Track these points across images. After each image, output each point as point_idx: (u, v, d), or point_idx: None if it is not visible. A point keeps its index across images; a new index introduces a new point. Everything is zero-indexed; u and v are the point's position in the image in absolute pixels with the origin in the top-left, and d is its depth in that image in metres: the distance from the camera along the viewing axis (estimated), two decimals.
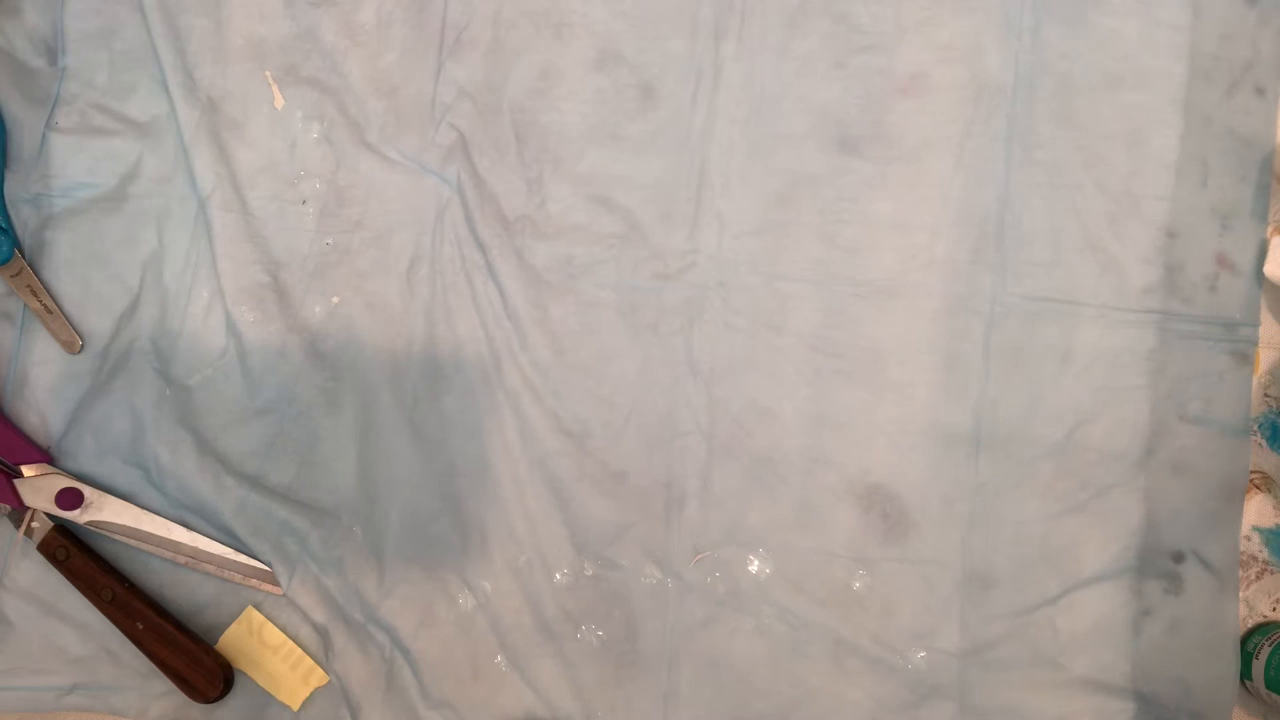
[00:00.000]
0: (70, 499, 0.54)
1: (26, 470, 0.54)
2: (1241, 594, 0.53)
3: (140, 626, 0.52)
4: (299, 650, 0.54)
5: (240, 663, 0.54)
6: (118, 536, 0.54)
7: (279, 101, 0.57)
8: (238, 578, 0.55)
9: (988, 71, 0.54)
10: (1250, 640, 0.52)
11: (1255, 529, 0.53)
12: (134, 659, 0.54)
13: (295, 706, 0.54)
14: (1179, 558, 0.53)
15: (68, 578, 0.53)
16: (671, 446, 0.54)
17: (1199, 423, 0.53)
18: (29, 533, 0.54)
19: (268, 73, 0.57)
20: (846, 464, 0.54)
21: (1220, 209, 0.53)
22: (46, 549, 0.54)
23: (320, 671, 0.54)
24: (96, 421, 0.56)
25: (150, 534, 0.54)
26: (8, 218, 0.56)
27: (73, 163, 0.56)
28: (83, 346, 0.56)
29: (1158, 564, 0.52)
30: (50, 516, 0.54)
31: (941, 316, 0.54)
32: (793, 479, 0.54)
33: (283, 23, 0.57)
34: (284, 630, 0.55)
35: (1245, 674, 0.52)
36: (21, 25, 0.57)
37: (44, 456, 0.55)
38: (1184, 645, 0.52)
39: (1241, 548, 0.53)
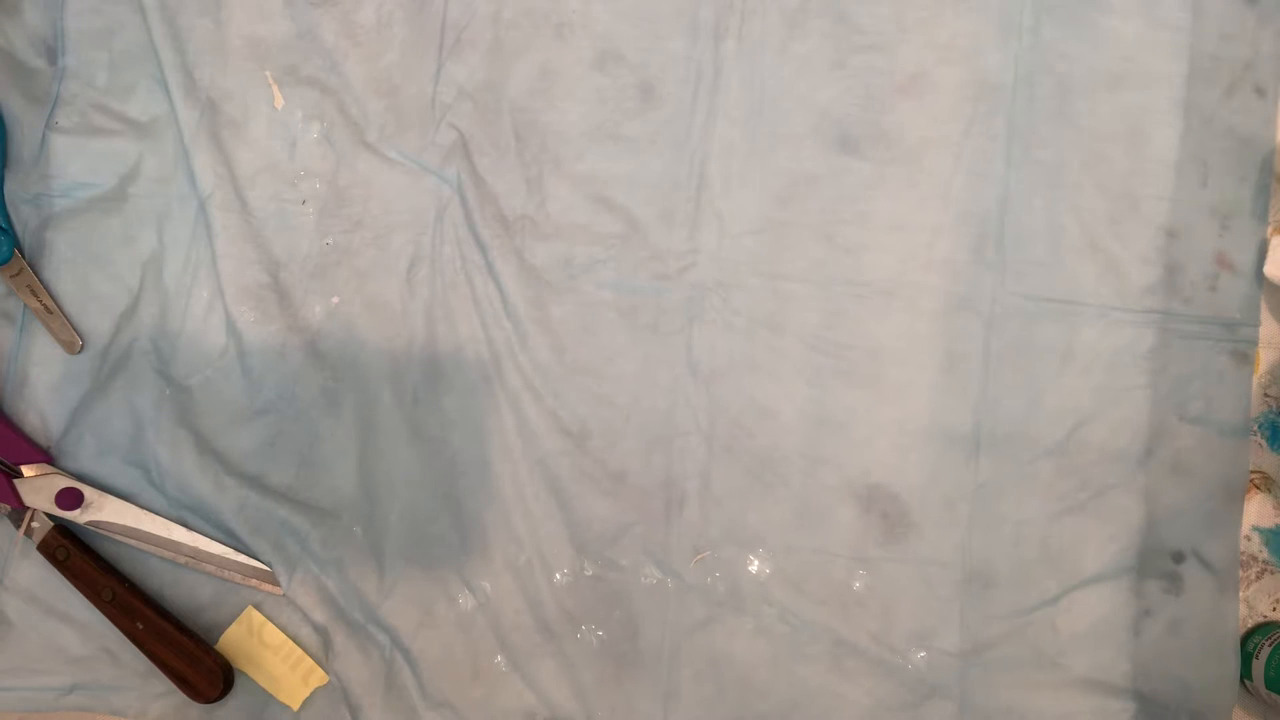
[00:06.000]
0: (70, 499, 0.54)
1: (26, 470, 0.54)
2: (1241, 594, 0.53)
3: (140, 626, 0.52)
4: (299, 650, 0.54)
5: (240, 663, 0.54)
6: (118, 536, 0.54)
7: (279, 101, 0.57)
8: (238, 578, 0.55)
9: (988, 71, 0.54)
10: (1250, 640, 0.52)
11: (1255, 529, 0.53)
12: (134, 659, 0.54)
13: (295, 706, 0.54)
14: (1179, 558, 0.53)
15: (68, 578, 0.53)
16: (671, 446, 0.55)
17: (1199, 423, 0.53)
18: (29, 533, 0.54)
19: (268, 73, 0.57)
20: (846, 464, 0.54)
21: (1220, 209, 0.53)
22: (46, 549, 0.54)
23: (320, 671, 0.54)
24: (96, 421, 0.56)
25: (150, 534, 0.54)
26: (8, 218, 0.56)
27: (73, 163, 0.56)
28: (83, 346, 0.56)
29: (1158, 564, 0.52)
30: (50, 516, 0.54)
31: (941, 316, 0.54)
32: (793, 479, 0.54)
33: (283, 23, 0.57)
34: (284, 630, 0.55)
35: (1245, 674, 0.52)
36: (21, 25, 0.57)
37: (44, 456, 0.55)
38: (1184, 645, 0.52)
39: (1241, 548, 0.53)
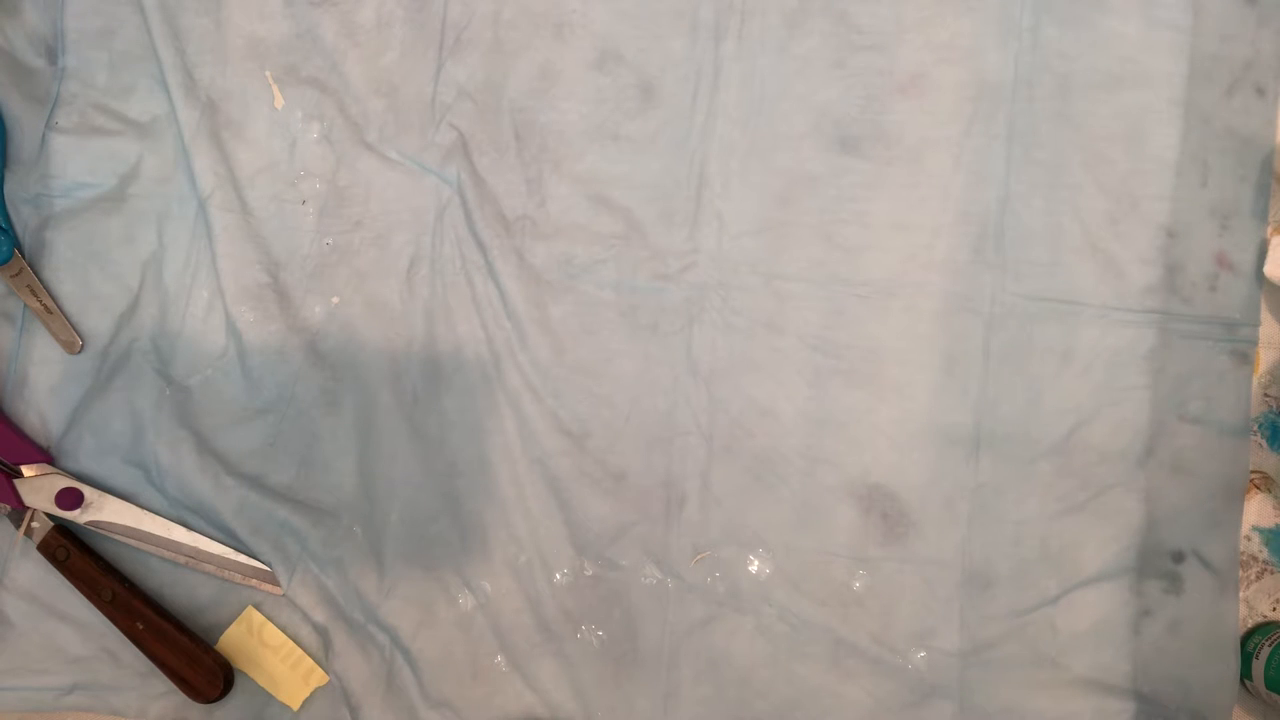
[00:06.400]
0: (70, 499, 0.54)
1: (26, 470, 0.54)
2: (1241, 594, 0.53)
3: (140, 626, 0.52)
4: (299, 650, 0.54)
5: (240, 663, 0.54)
6: (118, 536, 0.54)
7: (279, 101, 0.57)
8: (238, 578, 0.55)
9: (988, 71, 0.54)
10: (1250, 640, 0.52)
11: (1255, 529, 0.53)
12: (134, 659, 0.54)
13: (295, 706, 0.54)
14: (1179, 558, 0.53)
15: (68, 578, 0.53)
16: (671, 446, 0.54)
17: (1199, 423, 0.53)
18: (29, 533, 0.54)
19: (268, 73, 0.57)
20: (846, 464, 0.54)
21: (1220, 209, 0.53)
22: (46, 549, 0.54)
23: (320, 671, 0.54)
24: (96, 421, 0.56)
25: (150, 534, 0.54)
26: (8, 218, 0.56)
27: (73, 163, 0.56)
28: (83, 346, 0.56)
29: (1158, 564, 0.52)
30: (50, 516, 0.54)
31: (941, 316, 0.54)
32: (793, 479, 0.54)
33: (283, 23, 0.57)
34: (284, 630, 0.55)
35: (1245, 674, 0.52)
36: (21, 25, 0.57)
37: (44, 456, 0.55)
38: (1184, 645, 0.52)
39: (1241, 548, 0.53)
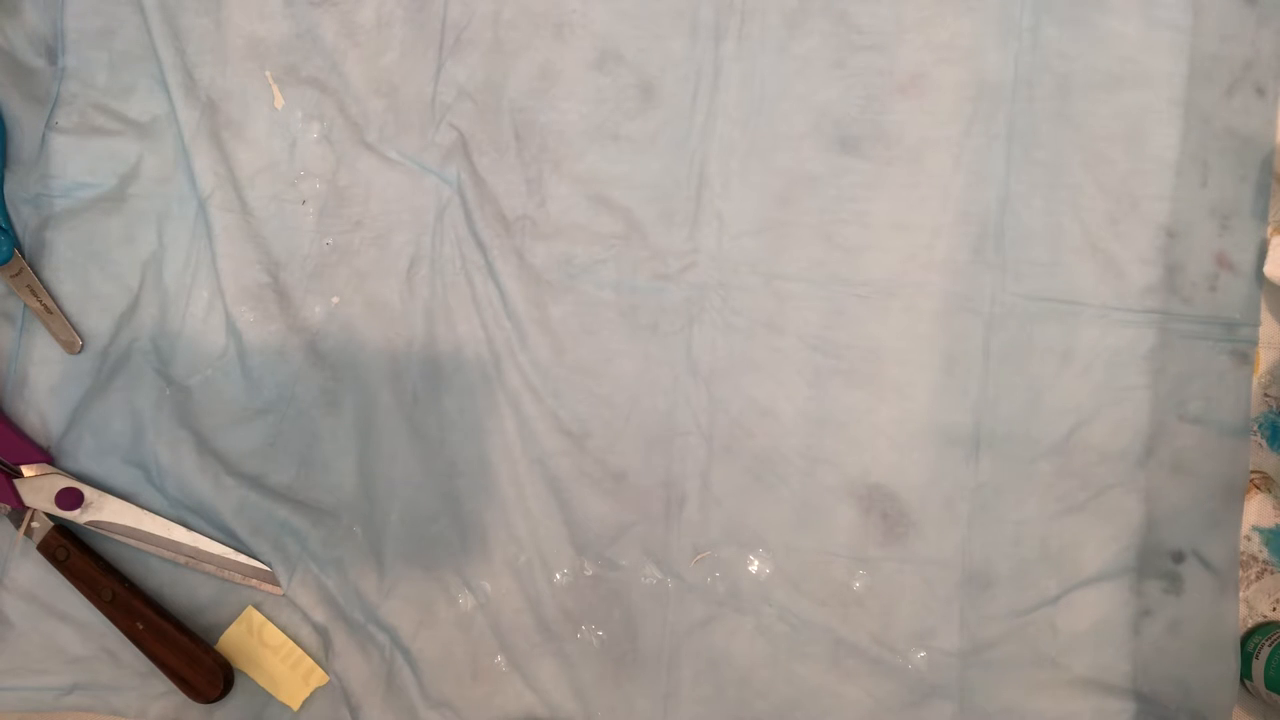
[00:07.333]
0: (70, 499, 0.54)
1: (26, 470, 0.54)
2: (1241, 594, 0.53)
3: (140, 626, 0.52)
4: (299, 650, 0.54)
5: (240, 663, 0.54)
6: (118, 536, 0.54)
7: (279, 101, 0.57)
8: (238, 578, 0.55)
9: (988, 71, 0.54)
10: (1250, 640, 0.52)
11: (1255, 529, 0.53)
12: (134, 659, 0.54)
13: (295, 706, 0.54)
14: (1179, 558, 0.53)
15: (68, 578, 0.53)
16: (671, 446, 0.55)
17: (1199, 423, 0.53)
18: (29, 533, 0.54)
19: (268, 73, 0.57)
20: (846, 464, 0.54)
21: (1220, 209, 0.53)
22: (46, 549, 0.54)
23: (320, 671, 0.54)
24: (96, 421, 0.56)
25: (150, 534, 0.54)
26: (8, 218, 0.56)
27: (72, 163, 0.56)
28: (83, 346, 0.56)
29: (1158, 564, 0.52)
30: (50, 516, 0.54)
31: (941, 316, 0.54)
32: (793, 479, 0.54)
33: (283, 23, 0.57)
34: (284, 630, 0.55)
35: (1245, 674, 0.52)
36: (21, 25, 0.57)
37: (44, 456, 0.55)
38: (1184, 645, 0.52)
39: (1241, 548, 0.53)
